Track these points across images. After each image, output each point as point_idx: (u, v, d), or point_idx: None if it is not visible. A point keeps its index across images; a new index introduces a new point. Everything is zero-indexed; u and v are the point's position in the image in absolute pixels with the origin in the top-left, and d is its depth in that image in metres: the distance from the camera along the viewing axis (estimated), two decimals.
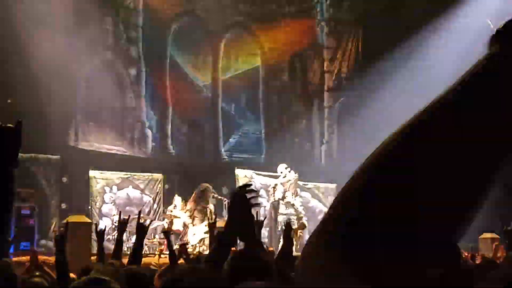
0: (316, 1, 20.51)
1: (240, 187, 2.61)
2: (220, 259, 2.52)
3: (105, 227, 7.91)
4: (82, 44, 15.89)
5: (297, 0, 20.28)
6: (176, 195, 15.46)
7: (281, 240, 6.43)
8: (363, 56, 20.27)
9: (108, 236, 13.00)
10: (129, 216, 6.91)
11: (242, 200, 2.56)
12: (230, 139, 19.26)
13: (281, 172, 16.65)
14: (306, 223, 15.98)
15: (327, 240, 0.66)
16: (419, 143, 0.67)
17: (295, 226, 13.90)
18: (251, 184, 2.64)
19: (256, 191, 2.72)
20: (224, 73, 19.33)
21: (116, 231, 10.43)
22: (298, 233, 14.98)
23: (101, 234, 6.14)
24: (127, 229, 13.82)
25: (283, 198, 16.22)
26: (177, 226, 14.83)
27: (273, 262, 2.64)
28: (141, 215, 5.79)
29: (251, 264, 2.36)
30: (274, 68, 20.04)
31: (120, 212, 6.51)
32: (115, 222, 14.27)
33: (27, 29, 13.72)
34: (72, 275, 4.44)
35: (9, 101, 13.37)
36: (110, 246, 10.72)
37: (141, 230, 5.24)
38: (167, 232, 7.72)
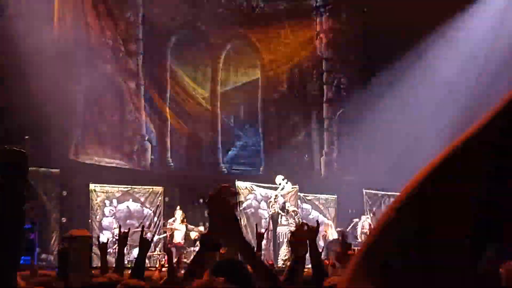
0: (315, 13, 20.62)
1: (217, 188, 2.59)
2: (204, 263, 2.53)
3: (108, 240, 7.90)
4: (82, 57, 15.95)
5: (297, 12, 20.37)
6: (178, 208, 15.46)
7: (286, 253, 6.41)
8: (362, 67, 20.34)
9: (109, 250, 12.96)
10: (129, 229, 6.92)
11: (220, 201, 2.56)
12: (229, 152, 19.27)
13: (279, 184, 16.67)
14: None
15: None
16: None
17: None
18: (229, 185, 2.62)
19: (236, 192, 2.71)
20: (223, 85, 19.38)
21: (116, 245, 10.44)
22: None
23: (103, 247, 6.17)
24: (128, 242, 13.82)
25: (283, 209, 16.20)
26: (177, 239, 14.81)
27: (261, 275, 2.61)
28: (144, 229, 5.80)
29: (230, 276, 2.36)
30: (274, 80, 20.09)
31: (120, 226, 6.53)
32: (116, 236, 14.25)
33: (26, 43, 13.77)
34: None
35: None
36: (110, 259, 10.70)
37: (144, 245, 5.24)
38: (169, 250, 7.74)
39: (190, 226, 15.25)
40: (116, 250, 9.62)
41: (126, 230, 5.92)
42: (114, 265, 6.46)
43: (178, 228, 14.96)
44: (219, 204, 2.51)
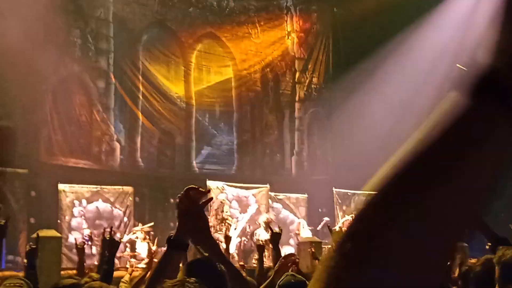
0: (286, 12, 20.66)
1: (187, 188, 2.59)
2: (171, 264, 2.50)
3: (86, 241, 7.78)
4: (49, 56, 15.70)
5: (267, 11, 20.38)
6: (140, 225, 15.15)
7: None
8: (334, 67, 20.46)
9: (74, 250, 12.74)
10: (121, 239, 6.82)
11: (190, 200, 2.55)
12: (202, 151, 19.16)
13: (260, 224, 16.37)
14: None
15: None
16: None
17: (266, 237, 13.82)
18: (199, 187, 2.62)
19: (206, 192, 2.70)
20: (196, 84, 19.25)
21: (86, 244, 10.28)
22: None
23: (81, 248, 6.15)
24: (97, 243, 13.58)
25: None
26: (142, 254, 14.30)
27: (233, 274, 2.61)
28: (112, 229, 5.71)
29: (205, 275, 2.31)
30: (246, 79, 20.06)
31: (111, 231, 6.13)
32: (85, 236, 14.05)
33: None
34: None
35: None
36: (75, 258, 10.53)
37: (112, 246, 5.17)
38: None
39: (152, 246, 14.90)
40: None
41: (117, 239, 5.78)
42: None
43: (140, 245, 14.53)
44: (188, 204, 2.52)
